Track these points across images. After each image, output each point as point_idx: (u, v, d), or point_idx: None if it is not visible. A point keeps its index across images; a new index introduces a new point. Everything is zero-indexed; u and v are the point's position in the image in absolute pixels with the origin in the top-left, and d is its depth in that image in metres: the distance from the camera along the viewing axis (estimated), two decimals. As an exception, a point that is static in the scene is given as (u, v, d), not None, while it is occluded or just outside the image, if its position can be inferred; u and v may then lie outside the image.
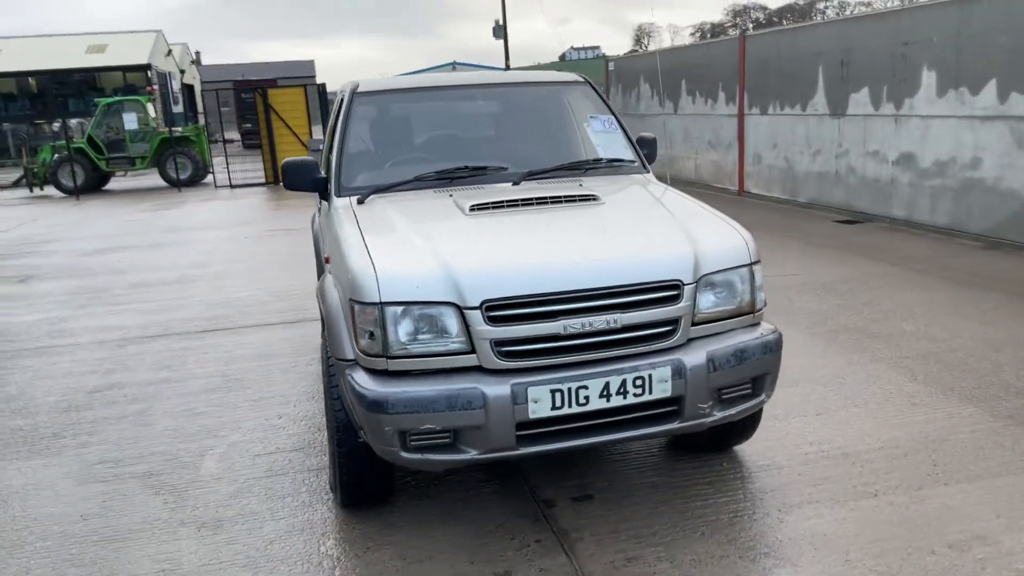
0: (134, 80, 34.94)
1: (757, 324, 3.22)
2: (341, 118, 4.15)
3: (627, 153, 4.23)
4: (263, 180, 19.02)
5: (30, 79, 36.30)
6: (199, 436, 4.33)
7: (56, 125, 25.20)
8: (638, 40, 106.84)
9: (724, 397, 3.11)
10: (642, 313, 2.93)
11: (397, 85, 4.44)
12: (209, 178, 20.32)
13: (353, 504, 3.41)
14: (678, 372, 2.93)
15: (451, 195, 3.66)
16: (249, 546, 3.22)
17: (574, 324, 2.86)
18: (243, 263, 9.35)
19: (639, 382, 2.89)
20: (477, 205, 3.41)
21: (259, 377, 5.19)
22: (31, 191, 20.32)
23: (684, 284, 2.99)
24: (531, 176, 3.88)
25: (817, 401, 4.39)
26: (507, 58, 40.86)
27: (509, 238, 3.17)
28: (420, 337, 2.87)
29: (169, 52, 39.72)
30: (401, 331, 2.85)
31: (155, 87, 32.81)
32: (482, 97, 4.48)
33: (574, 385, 2.84)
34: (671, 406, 2.99)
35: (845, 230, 9.43)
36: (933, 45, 8.75)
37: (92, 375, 5.44)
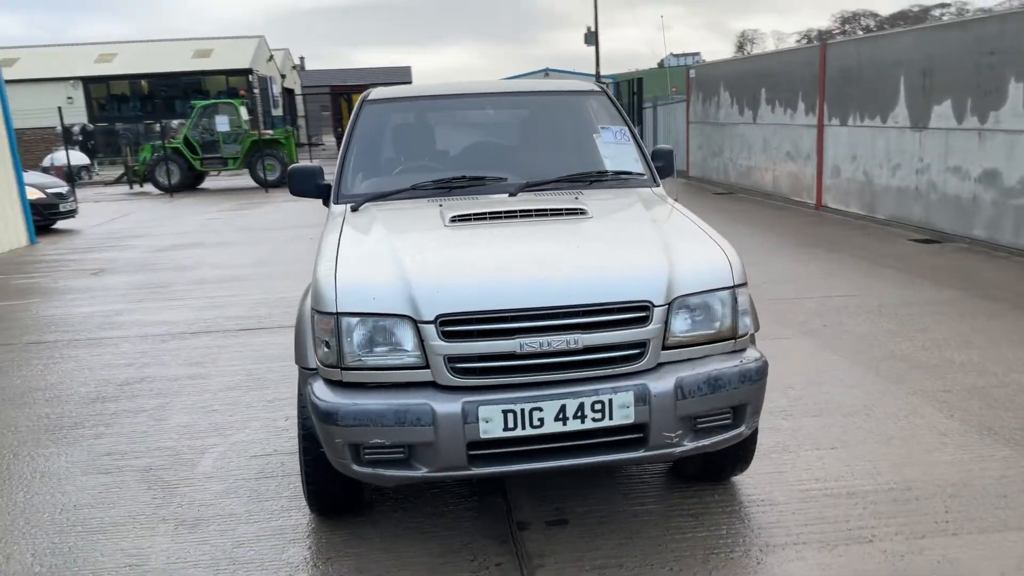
0: (236, 84, 36.50)
1: (740, 351, 3.03)
2: (349, 125, 4.17)
3: (637, 166, 4.08)
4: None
5: (142, 82, 38.41)
6: (206, 434, 4.42)
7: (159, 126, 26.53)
8: (740, 47, 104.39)
9: (699, 426, 2.94)
10: (605, 334, 2.80)
11: (408, 93, 4.42)
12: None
13: (323, 513, 3.40)
14: (642, 398, 2.78)
15: (440, 205, 3.62)
16: (217, 547, 3.25)
17: (531, 343, 2.75)
18: (300, 264, 9.55)
19: (598, 406, 2.76)
20: (458, 216, 3.35)
21: (280, 378, 5.27)
22: (131, 188, 21.49)
23: (654, 306, 2.84)
24: (529, 188, 3.79)
25: (836, 434, 4.12)
26: (597, 64, 40.67)
27: (477, 251, 3.09)
28: (376, 349, 2.82)
29: (270, 57, 41.31)
30: (356, 342, 2.82)
31: (256, 91, 34.20)
32: (493, 106, 4.42)
33: (528, 407, 2.73)
34: (636, 433, 2.84)
35: (919, 250, 8.90)
36: (1021, 55, 8.15)
37: (127, 368, 5.66)
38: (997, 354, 5.25)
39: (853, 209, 11.49)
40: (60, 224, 14.02)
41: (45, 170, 24.78)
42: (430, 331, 2.75)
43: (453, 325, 2.76)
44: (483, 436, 2.73)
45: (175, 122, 26.67)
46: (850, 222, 11.07)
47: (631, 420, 2.80)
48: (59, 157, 25.57)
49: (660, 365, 2.88)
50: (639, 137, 4.23)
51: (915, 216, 10.07)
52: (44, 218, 13.17)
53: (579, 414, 2.76)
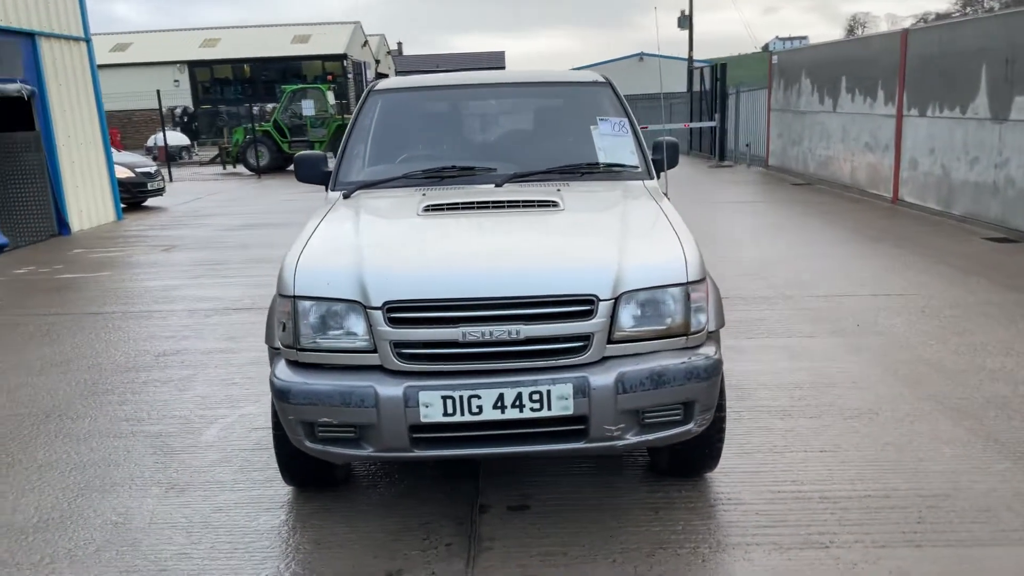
0: (332, 69, 37.54)
1: (692, 348, 3.00)
2: (354, 115, 4.31)
3: (632, 158, 4.07)
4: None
5: (244, 66, 39.99)
6: (219, 405, 4.68)
7: (256, 109, 27.62)
8: (851, 30, 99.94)
9: (646, 421, 2.95)
10: (547, 327, 2.84)
11: (413, 84, 4.52)
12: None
13: (295, 485, 3.57)
14: (581, 390, 2.81)
15: (424, 194, 3.71)
16: (196, 511, 3.47)
17: (474, 332, 2.82)
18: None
19: (536, 397, 2.81)
20: (431, 206, 3.44)
21: (302, 355, 5.49)
22: (224, 168, 22.51)
23: (600, 300, 2.86)
24: (517, 178, 3.84)
25: (830, 436, 4.02)
26: (690, 49, 39.78)
27: (433, 241, 3.18)
28: (329, 332, 2.95)
29: (365, 43, 42.27)
30: (311, 325, 2.95)
31: (349, 76, 35.08)
32: (494, 97, 4.47)
33: (466, 394, 2.81)
34: (577, 425, 2.88)
35: (989, 249, 8.43)
36: (1108, 42, 7.58)
37: (167, 340, 6.02)
38: (1035, 363, 4.97)
39: (930, 204, 10.95)
40: (149, 202, 14.85)
41: (148, 150, 26.29)
42: (378, 317, 2.86)
43: (399, 312, 2.85)
44: (423, 420, 2.83)
45: (269, 106, 27.70)
46: (925, 217, 10.57)
47: (570, 412, 2.83)
48: (162, 138, 27.05)
49: (606, 359, 2.90)
50: (638, 128, 4.20)
51: (991, 213, 9.53)
52: (133, 196, 13.99)
53: (517, 403, 2.81)
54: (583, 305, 2.86)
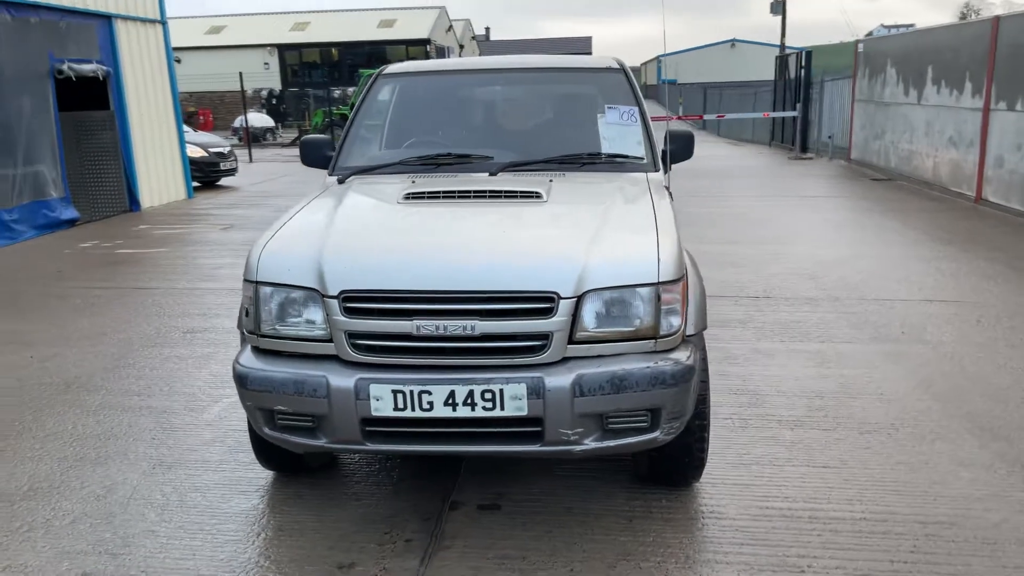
0: (415, 53, 37.92)
1: (662, 352, 2.83)
2: (360, 99, 4.27)
3: (637, 149, 3.89)
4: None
5: (332, 50, 40.80)
6: (229, 384, 4.72)
7: (337, 92, 28.16)
8: (963, 18, 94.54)
9: (609, 426, 2.81)
10: (504, 323, 2.73)
11: (420, 68, 4.44)
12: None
13: (272, 468, 3.57)
14: (535, 391, 2.69)
15: (413, 181, 3.64)
16: (176, 489, 3.51)
17: (428, 326, 2.73)
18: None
19: (488, 395, 2.71)
20: (412, 194, 3.36)
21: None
22: (302, 150, 23.02)
23: (561, 298, 2.72)
24: (512, 167, 3.72)
25: (839, 452, 3.77)
26: (783, 35, 38.47)
27: (401, 230, 3.10)
28: (288, 320, 2.91)
29: (450, 28, 42.50)
30: (271, 312, 2.92)
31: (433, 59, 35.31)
32: (505, 83, 4.35)
33: (417, 389, 2.72)
34: (532, 426, 2.76)
35: (1070, 255, 7.80)
36: None
37: (199, 318, 6.16)
38: (1091, 382, 4.55)
39: (1014, 205, 10.23)
40: (223, 181, 15.32)
41: (235, 130, 27.17)
42: (334, 306, 2.80)
43: (355, 302, 2.79)
44: (375, 414, 2.76)
45: (350, 89, 28.21)
46: (1006, 219, 9.88)
47: (524, 413, 2.72)
48: (250, 118, 27.91)
49: (567, 359, 2.77)
50: (648, 118, 4.01)
51: (1080, 216, 8.81)
52: (206, 175, 14.45)
53: (469, 401, 2.72)
54: (542, 302, 2.73)
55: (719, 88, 33.23)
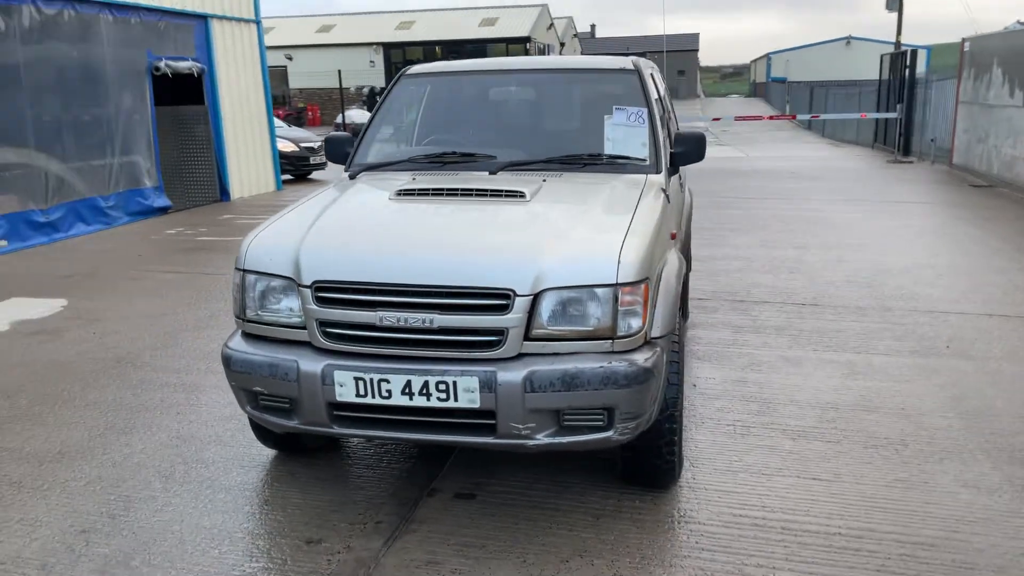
0: (515, 51, 38.23)
1: (618, 352, 2.85)
2: (382, 98, 4.43)
3: (641, 151, 3.89)
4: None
5: (436, 48, 41.64)
6: (260, 367, 5.02)
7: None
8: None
9: (565, 423, 2.86)
10: (461, 317, 2.82)
11: (440, 69, 4.55)
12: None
13: (269, 447, 3.77)
14: (487, 385, 2.77)
15: (414, 178, 3.77)
16: (184, 461, 3.77)
17: (390, 317, 2.86)
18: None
19: (442, 386, 2.81)
20: (404, 191, 3.49)
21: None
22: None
23: (517, 295, 2.79)
24: (512, 167, 3.80)
25: (835, 465, 3.66)
26: (898, 32, 36.59)
27: (379, 225, 3.23)
28: (269, 307, 3.10)
29: (551, 25, 42.61)
30: (254, 298, 3.11)
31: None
32: (519, 83, 4.41)
33: (376, 377, 2.85)
34: (486, 419, 2.84)
35: None
36: None
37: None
38: None
39: (1120, 216, 9.48)
40: (314, 175, 15.95)
41: (337, 127, 28.14)
42: (308, 295, 2.97)
43: (325, 292, 2.94)
44: (339, 399, 2.91)
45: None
46: (1109, 231, 9.18)
47: (476, 405, 2.80)
48: (350, 115, 28.87)
49: (522, 355, 2.83)
50: (657, 119, 4.00)
51: None
52: (296, 168, 15.09)
53: (424, 391, 2.83)
54: (498, 299, 2.80)
55: (825, 87, 32.00)
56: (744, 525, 3.18)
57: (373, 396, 2.87)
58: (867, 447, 3.84)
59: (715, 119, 22.47)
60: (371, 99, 33.86)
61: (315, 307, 2.95)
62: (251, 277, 3.11)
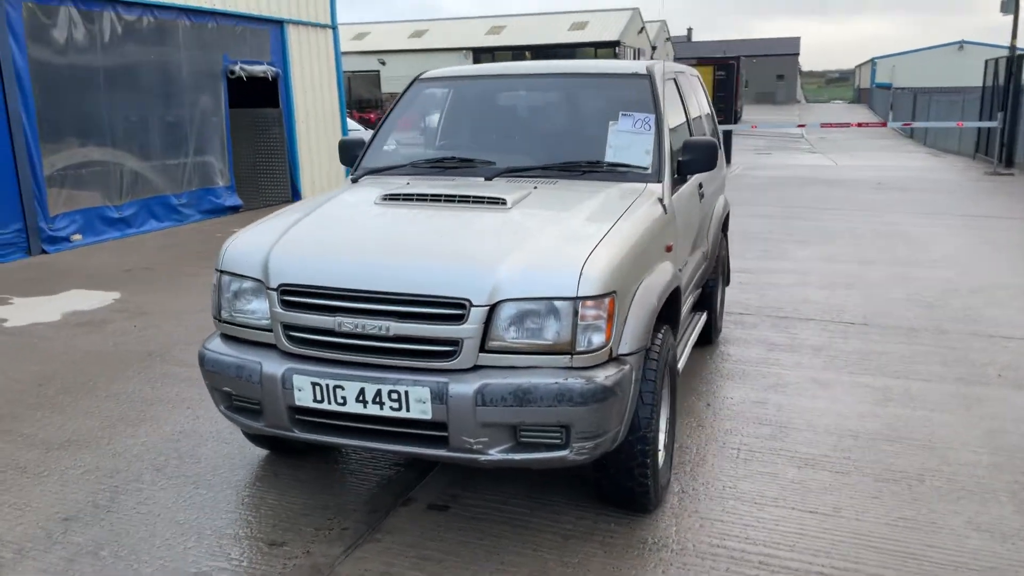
0: (603, 55, 37.96)
1: (577, 368, 2.73)
2: (394, 103, 4.43)
3: (644, 159, 3.74)
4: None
5: (526, 52, 41.76)
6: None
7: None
8: None
9: (522, 439, 2.77)
10: (417, 326, 2.76)
11: (456, 73, 4.51)
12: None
13: (257, 445, 3.80)
14: (439, 396, 2.71)
15: (408, 183, 3.75)
16: (179, 456, 3.84)
17: (348, 323, 2.83)
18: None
19: (395, 396, 2.76)
20: (389, 196, 3.47)
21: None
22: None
23: (472, 305, 2.72)
24: (509, 173, 3.73)
25: (838, 497, 3.42)
26: (1013, 36, 34.43)
27: (351, 230, 3.22)
28: (241, 308, 3.12)
29: (642, 29, 42.11)
30: (228, 299, 3.15)
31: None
32: (528, 88, 4.33)
33: (331, 383, 2.83)
34: (440, 430, 2.78)
35: None
36: None
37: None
38: None
39: None
40: (387, 176, 16.20)
41: (422, 131, 28.59)
42: (274, 298, 2.98)
43: (290, 295, 2.94)
44: (298, 403, 2.90)
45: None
46: None
47: (428, 416, 2.74)
48: (431, 119, 29.16)
49: (479, 367, 2.76)
50: (665, 126, 3.84)
51: None
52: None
53: (377, 400, 2.79)
54: (454, 308, 2.74)
55: (928, 94, 30.43)
56: (720, 557, 3.01)
57: (329, 402, 2.85)
58: (878, 480, 3.58)
59: (800, 126, 21.66)
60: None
61: (280, 310, 2.96)
62: (226, 278, 3.15)
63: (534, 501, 3.39)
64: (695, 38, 77.49)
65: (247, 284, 3.09)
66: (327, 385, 2.84)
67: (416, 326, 2.77)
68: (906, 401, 4.47)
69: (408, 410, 2.76)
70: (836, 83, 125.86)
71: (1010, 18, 36.08)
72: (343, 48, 14.15)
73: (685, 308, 4.15)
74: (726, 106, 18.85)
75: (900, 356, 5.23)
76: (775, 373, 4.93)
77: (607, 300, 2.76)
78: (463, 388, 2.70)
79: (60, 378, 4.93)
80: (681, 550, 3.05)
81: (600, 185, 3.60)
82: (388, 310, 2.79)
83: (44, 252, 8.63)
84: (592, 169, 3.73)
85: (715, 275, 5.15)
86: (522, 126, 4.24)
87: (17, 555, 3.05)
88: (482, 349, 2.75)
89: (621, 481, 3.09)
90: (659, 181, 3.66)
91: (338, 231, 3.25)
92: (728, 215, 5.65)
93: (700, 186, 4.44)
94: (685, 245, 4.01)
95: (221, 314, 3.17)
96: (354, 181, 4.03)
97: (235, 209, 11.41)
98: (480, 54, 41.39)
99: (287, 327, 2.96)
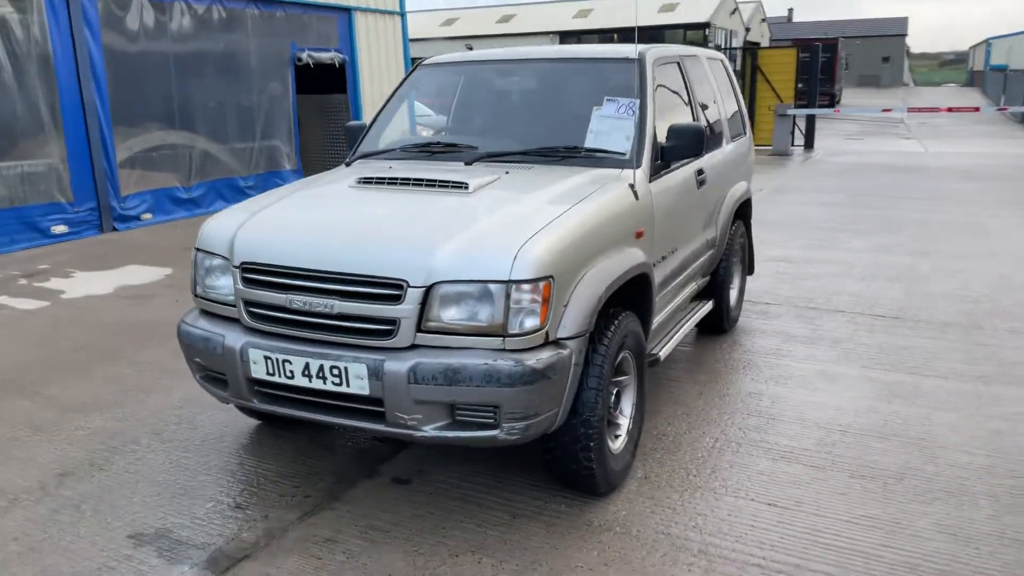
0: (693, 38, 37.10)
1: (509, 351, 2.78)
2: (395, 88, 4.54)
3: (623, 144, 3.72)
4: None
5: (614, 35, 41.26)
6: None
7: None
8: None
9: (458, 417, 2.84)
10: (358, 305, 2.87)
11: (456, 59, 4.55)
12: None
13: (246, 415, 4.00)
14: (375, 373, 2.81)
15: (390, 167, 3.85)
16: (179, 422, 4.09)
17: (297, 300, 2.96)
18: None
19: (336, 371, 2.87)
20: (364, 179, 3.58)
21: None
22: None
23: (409, 286, 2.80)
24: (487, 158, 3.78)
25: (807, 492, 3.35)
26: None
27: (313, 211, 3.34)
28: (212, 284, 3.30)
29: (735, 10, 40.89)
30: (202, 275, 3.33)
31: (711, 45, 34.39)
32: (520, 73, 4.34)
33: (280, 357, 2.97)
34: (377, 406, 2.88)
35: None
36: None
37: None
38: None
39: None
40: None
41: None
42: (237, 275, 3.14)
43: (250, 273, 3.10)
44: (253, 375, 3.06)
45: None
46: None
47: (366, 392, 2.85)
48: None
49: (416, 346, 2.84)
50: (650, 111, 3.80)
51: None
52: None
53: (320, 374, 2.91)
54: (391, 289, 2.83)
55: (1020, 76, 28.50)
56: (660, 543, 3.00)
57: (278, 375, 2.99)
58: (853, 477, 3.48)
59: (885, 110, 20.69)
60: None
61: (241, 287, 3.11)
62: (200, 255, 3.33)
63: (496, 480, 3.46)
64: (796, 19, 74.66)
65: (216, 261, 3.26)
66: (277, 359, 2.98)
67: (357, 305, 2.87)
68: (912, 398, 4.30)
69: (348, 385, 2.87)
70: (951, 65, 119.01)
71: None
72: (431, 34, 14.40)
73: (669, 296, 4.11)
74: (809, 89, 18.18)
75: (923, 351, 5.01)
76: (783, 365, 4.82)
77: (542, 284, 2.79)
78: (397, 366, 2.79)
79: (96, 346, 5.29)
80: (623, 533, 3.07)
81: (573, 170, 3.60)
82: (333, 289, 2.91)
83: (115, 230, 9.19)
84: (570, 155, 3.74)
85: (726, 263, 5.05)
86: (511, 111, 4.27)
87: (11, 504, 3.34)
88: (420, 329, 2.83)
89: (566, 463, 3.13)
90: (637, 167, 3.63)
91: (303, 213, 3.38)
92: (748, 201, 5.52)
93: (700, 172, 4.37)
94: (672, 232, 3.96)
95: (196, 290, 3.36)
96: (347, 164, 4.16)
97: (300, 191, 11.82)
98: (567, 38, 41.13)
99: (247, 303, 3.11)
